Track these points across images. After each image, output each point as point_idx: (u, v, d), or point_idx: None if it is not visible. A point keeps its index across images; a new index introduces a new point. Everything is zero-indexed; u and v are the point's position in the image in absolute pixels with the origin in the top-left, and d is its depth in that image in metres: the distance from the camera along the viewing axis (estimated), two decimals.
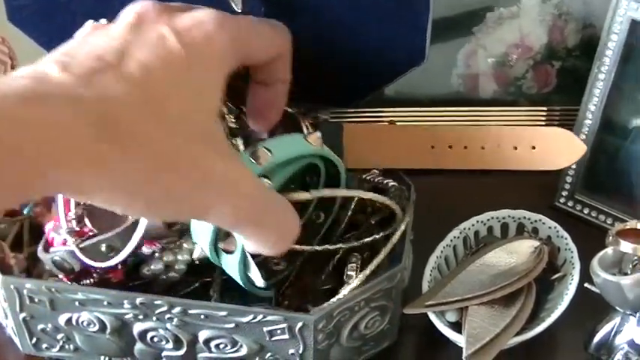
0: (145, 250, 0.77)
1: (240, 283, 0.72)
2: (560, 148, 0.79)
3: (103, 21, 0.64)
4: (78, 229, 0.76)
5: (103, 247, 0.75)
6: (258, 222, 0.60)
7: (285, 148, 0.70)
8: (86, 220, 0.77)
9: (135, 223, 0.75)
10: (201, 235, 0.71)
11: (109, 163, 0.49)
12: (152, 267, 0.77)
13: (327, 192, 0.73)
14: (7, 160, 0.45)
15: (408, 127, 0.81)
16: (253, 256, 0.72)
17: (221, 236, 0.70)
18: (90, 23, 0.62)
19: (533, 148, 0.79)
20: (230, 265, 0.71)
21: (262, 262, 0.76)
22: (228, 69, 0.60)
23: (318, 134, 0.72)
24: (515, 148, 0.79)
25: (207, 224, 0.69)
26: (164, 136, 0.52)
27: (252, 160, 0.67)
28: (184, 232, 0.77)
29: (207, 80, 0.58)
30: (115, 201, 0.53)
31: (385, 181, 0.81)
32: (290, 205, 0.63)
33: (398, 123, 0.96)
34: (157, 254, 0.77)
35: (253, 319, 0.72)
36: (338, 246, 0.78)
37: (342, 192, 0.74)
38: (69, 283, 0.77)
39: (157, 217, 0.66)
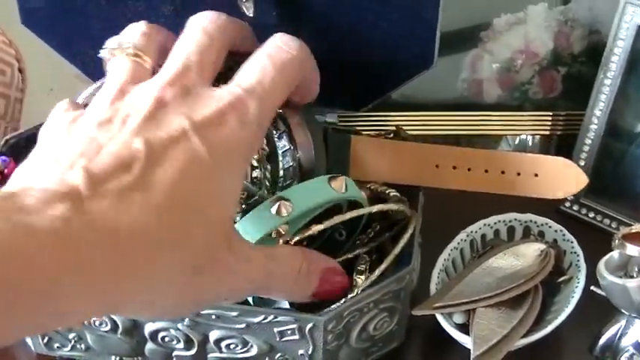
0: None
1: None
2: (562, 178, 0.79)
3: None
4: None
5: None
6: (265, 291, 0.65)
7: (308, 198, 0.71)
8: None
9: None
10: None
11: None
12: None
13: (337, 219, 0.74)
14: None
15: (413, 144, 0.81)
16: None
17: None
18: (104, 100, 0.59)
19: (536, 175, 0.79)
20: None
21: None
22: (255, 152, 0.62)
23: (343, 179, 0.73)
24: (519, 174, 0.79)
25: None
26: (180, 265, 0.54)
27: (274, 214, 0.69)
28: None
29: (230, 180, 0.57)
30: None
31: (387, 191, 0.81)
32: (299, 258, 0.66)
33: (404, 127, 0.96)
34: None
35: (264, 319, 0.72)
36: (357, 252, 0.79)
37: (352, 214, 0.75)
38: None
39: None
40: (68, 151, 0.53)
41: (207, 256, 0.56)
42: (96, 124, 0.55)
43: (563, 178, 0.79)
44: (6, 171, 0.79)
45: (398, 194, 0.81)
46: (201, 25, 0.63)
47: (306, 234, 0.71)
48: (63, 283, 0.46)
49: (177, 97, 0.57)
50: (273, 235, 0.71)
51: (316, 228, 0.72)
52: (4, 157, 0.81)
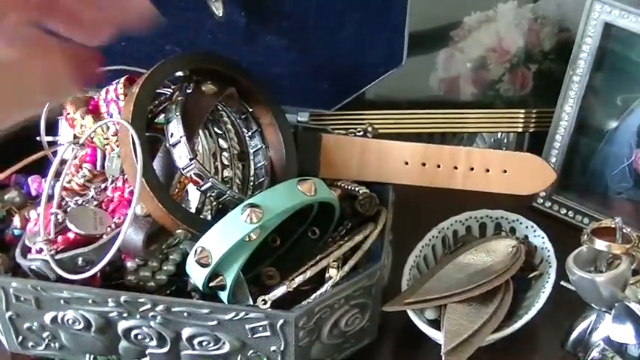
0: (129, 264, 0.78)
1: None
2: (531, 175, 0.80)
3: None
4: (53, 238, 0.76)
5: (80, 261, 0.75)
6: None
7: (278, 203, 0.72)
8: (68, 225, 0.77)
9: (112, 239, 0.75)
10: (196, 276, 0.74)
11: None
12: (139, 274, 0.79)
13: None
14: None
15: (382, 141, 0.82)
16: (245, 273, 0.74)
17: (212, 277, 0.74)
18: None
19: (505, 171, 0.80)
20: (222, 296, 0.75)
21: (256, 277, 0.78)
22: None
23: (312, 182, 0.74)
24: (488, 171, 0.80)
25: (202, 269, 0.73)
26: None
27: (245, 221, 0.70)
28: (163, 250, 0.78)
29: None
30: None
31: (357, 188, 0.82)
32: None
33: (379, 126, 0.97)
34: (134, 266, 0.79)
35: (235, 316, 0.73)
36: (330, 253, 0.79)
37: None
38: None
39: None
40: None
41: None
42: None
43: (532, 174, 0.79)
44: None
45: (368, 191, 0.81)
46: None
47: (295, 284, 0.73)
48: None
49: None
50: (246, 240, 0.72)
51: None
52: None
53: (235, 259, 0.73)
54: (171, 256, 0.80)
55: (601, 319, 0.79)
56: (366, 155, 0.80)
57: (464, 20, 0.99)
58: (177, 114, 0.75)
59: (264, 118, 0.77)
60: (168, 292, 0.79)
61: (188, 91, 0.78)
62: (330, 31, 0.80)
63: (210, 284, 0.74)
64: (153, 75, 0.76)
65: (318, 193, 0.73)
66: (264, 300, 0.72)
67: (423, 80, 1.03)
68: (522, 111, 1.03)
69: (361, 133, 0.86)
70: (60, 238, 0.76)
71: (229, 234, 0.71)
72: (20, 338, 0.81)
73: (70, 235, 0.76)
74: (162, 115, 0.78)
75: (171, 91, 0.80)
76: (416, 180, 0.80)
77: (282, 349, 0.75)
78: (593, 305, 0.78)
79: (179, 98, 0.77)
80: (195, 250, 0.73)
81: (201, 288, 0.75)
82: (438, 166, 0.79)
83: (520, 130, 1.05)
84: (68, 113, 0.82)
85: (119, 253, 0.75)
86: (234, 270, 0.73)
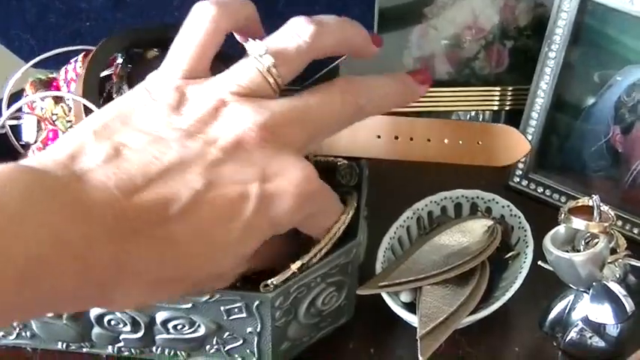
0: None
1: None
2: (505, 145, 0.79)
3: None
4: None
5: None
6: None
7: None
8: None
9: None
10: None
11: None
12: None
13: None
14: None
15: None
16: None
17: None
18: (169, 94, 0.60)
19: (479, 143, 0.79)
20: None
21: None
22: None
23: None
24: (461, 143, 0.79)
25: None
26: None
27: None
28: None
29: (252, 242, 0.58)
30: None
31: (335, 160, 0.81)
32: None
33: None
34: None
35: (210, 298, 0.72)
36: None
37: None
38: None
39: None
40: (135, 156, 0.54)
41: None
42: (180, 134, 0.56)
43: (507, 145, 0.78)
44: None
45: (346, 162, 0.80)
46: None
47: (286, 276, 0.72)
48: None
49: (260, 140, 0.57)
50: None
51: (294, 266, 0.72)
52: None
53: None
54: None
55: (579, 299, 0.78)
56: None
57: None
58: (124, 85, 0.74)
59: None
60: None
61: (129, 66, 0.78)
62: (301, 6, 0.78)
63: None
64: (101, 47, 0.76)
65: None
66: (272, 283, 0.71)
67: (396, 59, 1.02)
68: (498, 89, 1.03)
69: None
70: None
71: None
72: None
73: None
74: None
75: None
76: (388, 153, 0.79)
77: (258, 330, 0.74)
78: (570, 285, 0.77)
79: (125, 70, 0.76)
80: None
81: None
82: (411, 139, 0.78)
83: (496, 108, 1.04)
84: (27, 95, 0.80)
85: None
86: None
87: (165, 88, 0.59)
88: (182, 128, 0.56)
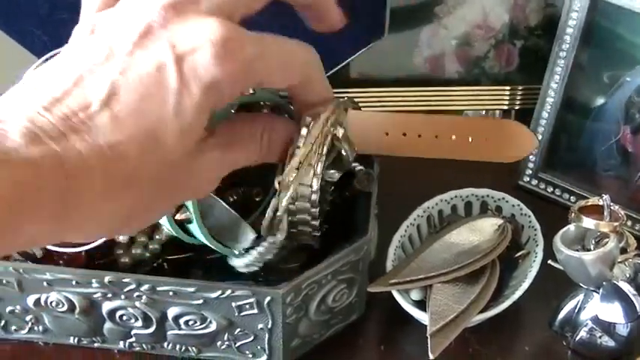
0: (122, 237, 0.79)
1: (213, 246, 0.73)
2: (513, 141, 0.78)
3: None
4: None
5: None
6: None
7: None
8: None
9: None
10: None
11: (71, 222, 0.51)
12: (133, 251, 0.81)
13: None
14: None
15: (362, 112, 0.80)
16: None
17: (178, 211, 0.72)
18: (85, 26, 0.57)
19: (487, 139, 0.79)
20: (196, 232, 0.73)
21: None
22: (227, 98, 0.57)
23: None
24: (469, 139, 0.79)
25: None
26: (127, 193, 0.53)
27: None
28: None
29: (195, 113, 0.55)
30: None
31: (352, 165, 0.80)
32: None
33: (362, 104, 0.96)
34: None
35: (222, 294, 0.72)
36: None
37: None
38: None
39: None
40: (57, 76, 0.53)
41: (166, 181, 0.55)
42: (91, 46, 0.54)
43: (514, 141, 0.78)
44: None
45: (363, 168, 0.80)
46: None
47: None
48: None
49: (165, 16, 0.54)
50: None
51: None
52: None
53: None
54: (156, 236, 0.81)
55: (589, 299, 0.78)
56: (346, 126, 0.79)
57: None
58: None
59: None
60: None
61: None
62: None
63: (176, 217, 0.72)
64: None
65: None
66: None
67: (407, 58, 1.02)
68: (508, 88, 1.03)
69: None
70: None
71: None
72: (3, 322, 0.80)
73: None
74: None
75: None
76: (397, 150, 0.78)
77: (269, 326, 0.75)
78: (580, 284, 0.78)
79: None
80: None
81: (170, 227, 0.73)
82: (419, 136, 0.78)
83: (506, 107, 1.04)
84: None
85: None
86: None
87: (80, 25, 0.57)
88: (94, 42, 0.54)
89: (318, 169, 0.66)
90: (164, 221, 0.74)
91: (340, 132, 0.67)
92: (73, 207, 0.50)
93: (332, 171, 0.69)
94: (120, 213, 0.53)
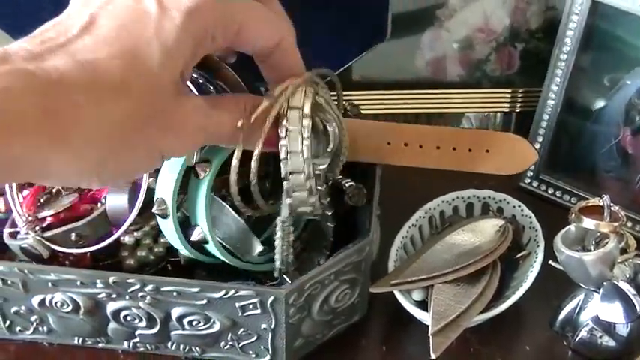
0: (128, 239, 0.79)
1: (230, 262, 0.76)
2: (513, 154, 0.79)
3: None
4: (37, 217, 0.77)
5: (73, 236, 0.77)
6: (211, 139, 0.62)
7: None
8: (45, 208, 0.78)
9: (103, 213, 0.77)
10: (169, 235, 0.76)
11: (57, 139, 0.50)
12: (138, 254, 0.81)
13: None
14: None
15: (365, 121, 0.81)
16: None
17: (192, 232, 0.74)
18: None
19: (487, 151, 0.79)
20: (213, 251, 0.75)
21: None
22: (207, 43, 0.57)
23: None
24: (470, 151, 0.79)
25: (167, 221, 0.74)
26: (109, 115, 0.52)
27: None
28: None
29: (180, 36, 0.54)
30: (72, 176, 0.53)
31: (343, 181, 0.80)
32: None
33: (365, 106, 0.96)
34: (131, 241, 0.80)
35: (225, 294, 0.73)
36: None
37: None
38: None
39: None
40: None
41: (152, 106, 0.55)
42: None
43: (514, 154, 0.79)
44: None
45: (353, 183, 0.80)
46: None
47: None
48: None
49: None
50: (198, 177, 0.72)
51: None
52: None
53: (196, 201, 0.73)
54: (162, 239, 0.81)
55: (589, 299, 0.78)
56: (349, 135, 0.80)
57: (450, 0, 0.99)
58: None
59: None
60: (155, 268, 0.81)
61: None
62: (314, 6, 0.79)
63: (191, 239, 0.74)
64: None
65: None
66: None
67: (409, 61, 1.03)
68: (509, 90, 1.03)
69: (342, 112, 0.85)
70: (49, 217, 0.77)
71: (172, 172, 0.72)
72: (8, 323, 0.80)
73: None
74: None
75: None
76: (398, 160, 0.79)
77: (272, 326, 0.75)
78: (581, 284, 0.78)
79: None
80: (154, 203, 0.74)
81: (183, 248, 0.75)
82: (420, 147, 0.79)
83: (507, 109, 1.04)
84: None
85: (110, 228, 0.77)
86: (204, 216, 0.73)
87: None
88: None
89: (306, 134, 0.64)
90: (178, 244, 0.75)
91: (321, 99, 0.66)
92: (56, 121, 0.49)
93: (318, 160, 0.68)
94: (106, 132, 0.52)
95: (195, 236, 0.74)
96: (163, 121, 0.55)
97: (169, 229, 0.75)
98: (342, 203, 0.81)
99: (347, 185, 0.80)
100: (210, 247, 0.75)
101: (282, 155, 0.64)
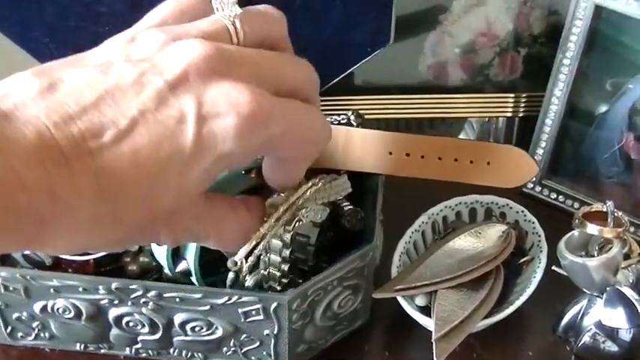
0: None
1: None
2: (514, 167, 0.79)
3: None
4: None
5: None
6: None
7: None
8: None
9: None
10: (160, 257, 0.77)
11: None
12: (140, 260, 0.81)
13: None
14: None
15: (366, 131, 0.81)
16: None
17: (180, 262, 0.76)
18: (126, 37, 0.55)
19: (488, 163, 0.79)
20: (194, 281, 0.76)
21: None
22: (233, 167, 0.56)
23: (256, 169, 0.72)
24: (471, 162, 0.79)
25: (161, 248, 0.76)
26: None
27: None
28: None
29: (195, 176, 0.53)
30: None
31: (340, 204, 0.80)
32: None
33: (367, 111, 0.96)
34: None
35: (228, 300, 0.73)
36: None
37: None
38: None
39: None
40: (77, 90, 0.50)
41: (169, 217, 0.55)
42: (122, 63, 0.52)
43: (515, 166, 0.79)
44: None
45: (351, 206, 0.80)
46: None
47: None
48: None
49: (206, 75, 0.52)
50: None
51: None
52: None
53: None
54: None
55: (592, 304, 0.78)
56: (350, 144, 0.79)
57: (453, 4, 0.98)
58: None
59: None
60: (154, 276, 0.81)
61: None
62: (316, 11, 0.79)
63: (177, 270, 0.75)
64: None
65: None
66: (234, 262, 0.71)
67: (411, 65, 1.02)
68: (512, 95, 1.03)
69: (345, 120, 0.85)
70: None
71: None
72: (9, 329, 0.80)
73: None
74: None
75: None
76: (399, 171, 0.79)
77: (275, 332, 0.75)
78: (584, 290, 0.78)
79: None
80: None
81: (170, 273, 0.76)
82: (422, 157, 0.78)
83: (509, 114, 1.04)
84: None
85: None
86: (192, 250, 0.73)
87: (126, 32, 0.56)
88: (127, 59, 0.53)
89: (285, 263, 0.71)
90: (165, 267, 0.77)
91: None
92: (50, 232, 0.48)
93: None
94: (96, 243, 0.53)
95: (179, 268, 0.75)
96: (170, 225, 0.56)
97: (160, 252, 0.76)
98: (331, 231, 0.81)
99: (345, 208, 0.80)
100: (194, 279, 0.75)
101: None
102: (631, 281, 0.77)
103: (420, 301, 0.81)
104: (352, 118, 0.85)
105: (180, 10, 0.58)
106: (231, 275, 0.72)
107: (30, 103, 0.49)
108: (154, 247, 0.77)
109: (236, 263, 0.66)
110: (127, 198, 0.50)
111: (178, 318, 0.76)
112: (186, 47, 0.52)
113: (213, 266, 0.76)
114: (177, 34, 0.54)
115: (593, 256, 0.76)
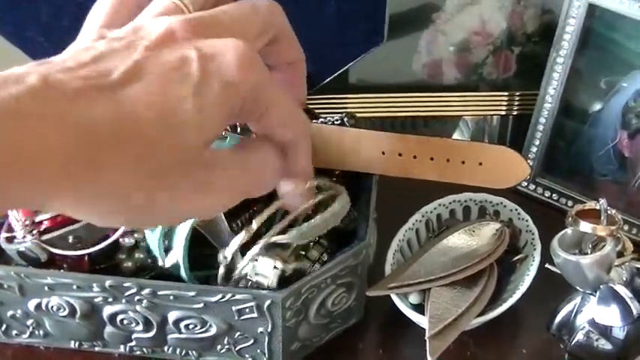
0: (126, 241, 0.79)
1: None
2: (506, 168, 0.79)
3: None
4: (34, 220, 0.77)
5: (71, 239, 0.77)
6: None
7: None
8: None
9: None
10: (153, 246, 0.78)
11: (85, 185, 0.49)
12: (136, 256, 0.81)
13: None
14: None
15: (359, 131, 0.81)
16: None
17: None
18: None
19: (480, 164, 0.79)
20: (183, 276, 0.76)
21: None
22: (234, 117, 0.54)
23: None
24: (463, 163, 0.79)
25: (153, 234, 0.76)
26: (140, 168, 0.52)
27: None
28: None
29: (215, 112, 0.53)
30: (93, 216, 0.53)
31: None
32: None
33: (362, 110, 0.96)
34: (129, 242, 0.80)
35: (222, 298, 0.73)
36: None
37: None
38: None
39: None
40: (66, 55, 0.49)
41: (180, 170, 0.54)
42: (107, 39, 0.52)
43: (507, 167, 0.79)
44: None
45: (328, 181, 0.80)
46: None
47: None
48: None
49: (191, 28, 0.53)
50: None
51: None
52: None
53: (175, 232, 0.75)
54: None
55: (586, 302, 0.78)
56: (344, 144, 0.80)
57: (446, 3, 0.99)
58: None
59: None
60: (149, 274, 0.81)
61: None
62: (310, 9, 0.79)
63: (167, 265, 0.76)
64: None
65: None
66: (224, 257, 0.71)
67: (405, 64, 1.03)
68: (506, 94, 1.03)
69: (339, 121, 0.85)
70: (46, 221, 0.77)
71: None
72: (4, 327, 0.81)
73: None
74: None
75: None
76: (392, 170, 0.79)
77: (269, 330, 0.75)
78: (578, 288, 0.78)
79: None
80: None
81: (162, 261, 0.77)
82: (415, 157, 0.79)
83: (503, 113, 1.04)
84: None
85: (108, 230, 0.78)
86: (181, 245, 0.74)
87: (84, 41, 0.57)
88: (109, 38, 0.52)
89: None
90: (158, 256, 0.77)
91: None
92: (75, 173, 0.47)
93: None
94: (128, 189, 0.50)
95: (168, 262, 0.76)
96: (190, 185, 0.55)
97: (153, 240, 0.76)
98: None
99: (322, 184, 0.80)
100: (182, 272, 0.76)
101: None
102: (624, 279, 0.77)
103: (414, 298, 0.81)
104: (345, 119, 0.86)
105: (119, 1, 0.58)
106: (221, 270, 0.73)
107: (25, 74, 0.47)
108: (148, 235, 0.77)
109: (226, 258, 0.67)
110: (146, 133, 0.49)
111: (172, 316, 0.76)
112: (158, 22, 0.53)
113: (204, 260, 0.76)
114: (137, 24, 0.54)
115: (587, 254, 0.76)
